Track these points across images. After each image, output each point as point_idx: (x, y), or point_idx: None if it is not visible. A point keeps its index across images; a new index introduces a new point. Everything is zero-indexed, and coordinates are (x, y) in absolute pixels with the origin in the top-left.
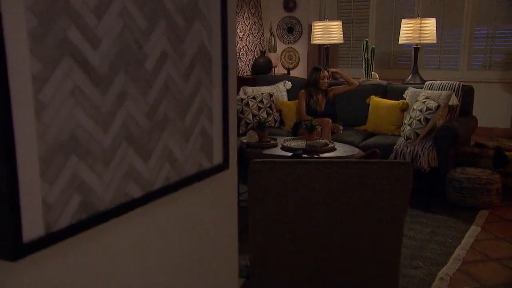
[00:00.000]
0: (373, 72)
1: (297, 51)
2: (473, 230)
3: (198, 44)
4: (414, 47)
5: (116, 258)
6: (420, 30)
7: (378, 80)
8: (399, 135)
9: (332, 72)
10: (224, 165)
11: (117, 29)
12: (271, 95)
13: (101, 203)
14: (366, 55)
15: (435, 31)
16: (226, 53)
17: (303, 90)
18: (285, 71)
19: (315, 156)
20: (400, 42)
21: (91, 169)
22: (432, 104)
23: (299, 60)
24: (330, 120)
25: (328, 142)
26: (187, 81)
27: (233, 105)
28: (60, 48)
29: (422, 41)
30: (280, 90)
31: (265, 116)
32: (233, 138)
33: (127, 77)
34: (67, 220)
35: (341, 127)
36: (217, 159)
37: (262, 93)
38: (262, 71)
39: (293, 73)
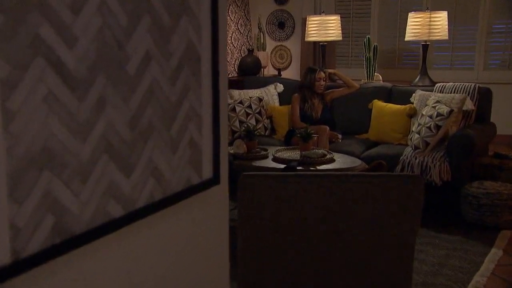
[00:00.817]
0: (375, 73)
1: (289, 50)
2: (494, 254)
3: (186, 43)
4: (422, 45)
5: (95, 286)
6: (430, 25)
7: (381, 82)
8: (406, 145)
9: (329, 73)
10: (214, 180)
11: (96, 26)
12: (260, 100)
13: (78, 224)
14: (367, 54)
15: (446, 26)
16: (217, 53)
17: (296, 94)
18: (276, 72)
19: (311, 168)
20: (406, 38)
21: (67, 186)
22: (444, 109)
23: (291, 60)
24: (328, 128)
25: (325, 152)
26: (174, 85)
27: (224, 112)
28: (31, 48)
29: (431, 38)
30: (271, 93)
31: (254, 123)
32: (224, 150)
33: (107, 81)
34: (39, 245)
35: (340, 136)
36: (207, 173)
37: (250, 97)
38: (249, 72)
39: (285, 74)
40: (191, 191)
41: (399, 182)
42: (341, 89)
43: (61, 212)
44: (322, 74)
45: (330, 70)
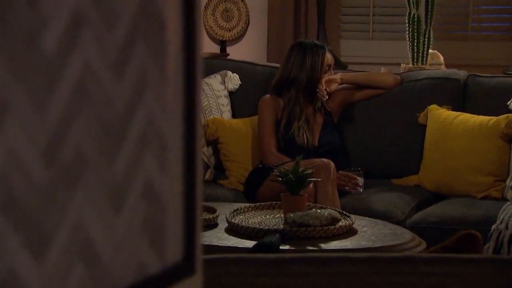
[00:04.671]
0: (432, 51)
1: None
2: None
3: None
4: None
5: None
6: None
7: (443, 67)
8: (502, 199)
9: (326, 82)
10: (186, 267)
11: None
12: None
13: None
14: (413, 11)
15: None
16: (192, 16)
17: (268, 96)
18: (217, 47)
19: (310, 248)
20: None
21: None
22: None
23: (247, 22)
24: (333, 165)
25: (335, 214)
26: (121, 77)
27: (199, 129)
28: None
29: None
30: (214, 93)
31: None
32: (199, 206)
33: (4, 70)
34: None
35: (360, 180)
36: (173, 252)
37: None
38: None
39: (236, 50)
40: (145, 286)
41: (498, 273)
42: (363, 90)
43: None
44: (330, 58)
45: (331, 77)
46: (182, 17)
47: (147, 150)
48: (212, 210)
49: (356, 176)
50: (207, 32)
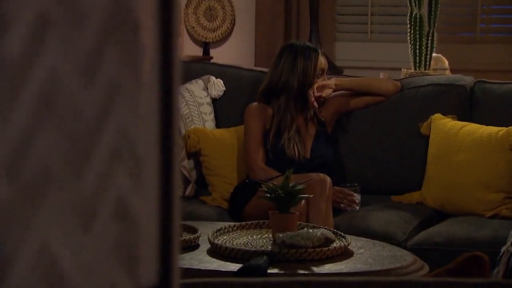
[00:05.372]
0: (436, 54)
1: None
2: None
3: None
4: None
5: None
6: None
7: (448, 71)
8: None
9: (319, 88)
10: None
11: None
12: None
13: None
14: (415, 11)
15: None
16: (170, 15)
17: (256, 104)
18: (200, 50)
19: (301, 271)
20: None
21: None
22: None
23: (233, 22)
24: (329, 180)
25: (329, 234)
26: (91, 84)
27: (177, 141)
28: None
29: None
30: (196, 100)
31: None
32: (177, 226)
33: None
34: None
35: (357, 197)
36: (148, 276)
37: None
38: None
39: (221, 53)
40: None
41: None
42: (360, 97)
43: None
44: (324, 62)
45: (325, 83)
46: (158, 17)
47: (119, 164)
48: (193, 230)
49: (352, 193)
50: (189, 33)
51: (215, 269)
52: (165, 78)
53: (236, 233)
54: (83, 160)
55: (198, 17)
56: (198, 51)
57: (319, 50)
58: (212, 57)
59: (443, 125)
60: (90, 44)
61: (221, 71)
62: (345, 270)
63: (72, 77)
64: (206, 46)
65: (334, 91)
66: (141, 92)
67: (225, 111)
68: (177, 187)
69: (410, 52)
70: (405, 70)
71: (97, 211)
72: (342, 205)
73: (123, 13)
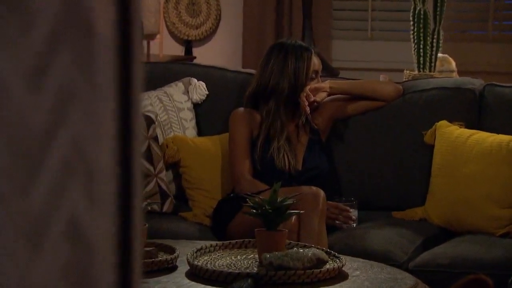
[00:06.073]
0: (442, 55)
1: None
2: None
3: None
4: None
5: None
6: None
7: (455, 74)
8: None
9: (311, 91)
10: None
11: None
12: (150, 122)
13: None
14: (419, 6)
15: None
16: (129, 15)
17: (242, 109)
18: (182, 49)
19: None
20: None
21: None
22: None
23: (218, 17)
24: (323, 194)
25: (321, 254)
26: (39, 91)
27: (138, 152)
28: None
29: None
30: (176, 105)
31: None
32: (138, 244)
33: None
34: None
35: (353, 213)
36: None
37: None
38: None
39: (205, 53)
40: None
41: None
42: (359, 102)
43: None
44: (317, 63)
45: (318, 85)
46: (116, 16)
47: (72, 180)
48: (170, 250)
49: (348, 208)
50: (169, 30)
51: None
52: (124, 83)
53: (218, 253)
54: (30, 177)
55: (180, 12)
56: (179, 50)
57: (312, 50)
58: (195, 57)
59: (449, 133)
60: (39, 45)
61: (204, 72)
62: None
63: (18, 82)
64: (188, 45)
65: (328, 95)
66: (96, 100)
67: (208, 117)
68: (138, 204)
69: (413, 52)
70: (407, 72)
71: (46, 231)
72: (337, 222)
73: (76, 13)
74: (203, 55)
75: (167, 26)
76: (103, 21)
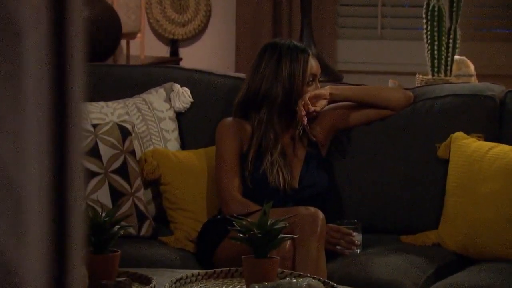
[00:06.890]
0: (458, 57)
1: None
2: None
3: None
4: None
5: None
6: None
7: (474, 78)
8: None
9: (310, 99)
10: None
11: None
12: (125, 133)
13: None
14: (434, 2)
15: None
16: (64, 17)
17: (231, 119)
18: (167, 48)
19: None
20: None
21: None
22: None
23: (208, 13)
24: (322, 215)
25: (318, 284)
26: None
27: (80, 173)
28: None
29: None
30: (156, 114)
31: (109, 201)
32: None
33: None
34: None
35: (357, 237)
36: None
37: (98, 129)
38: (94, 53)
39: (193, 53)
40: None
41: None
42: (363, 110)
43: None
44: (315, 65)
45: (318, 92)
46: (48, 22)
47: None
48: (146, 280)
49: (351, 232)
50: (152, 28)
51: None
52: (58, 97)
53: (201, 283)
54: None
55: (164, 8)
56: (164, 51)
57: (309, 51)
58: (181, 58)
59: (466, 146)
60: None
61: (188, 77)
62: None
63: None
64: (174, 45)
65: (329, 102)
66: (24, 118)
67: (193, 128)
68: (80, 236)
69: (426, 54)
70: (420, 76)
71: None
72: (338, 247)
73: (1, 19)
74: (191, 56)
75: (149, 24)
76: (34, 27)
